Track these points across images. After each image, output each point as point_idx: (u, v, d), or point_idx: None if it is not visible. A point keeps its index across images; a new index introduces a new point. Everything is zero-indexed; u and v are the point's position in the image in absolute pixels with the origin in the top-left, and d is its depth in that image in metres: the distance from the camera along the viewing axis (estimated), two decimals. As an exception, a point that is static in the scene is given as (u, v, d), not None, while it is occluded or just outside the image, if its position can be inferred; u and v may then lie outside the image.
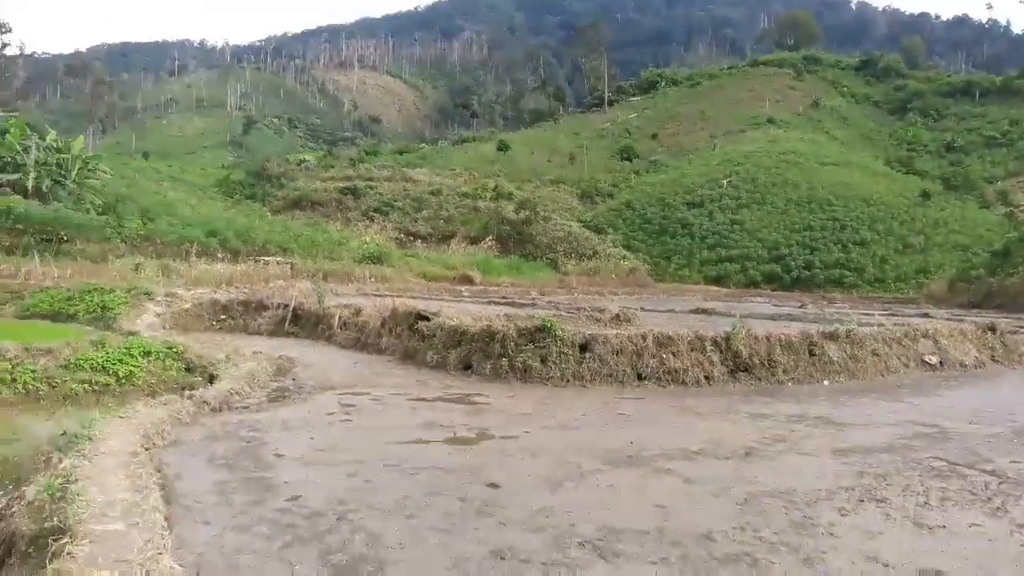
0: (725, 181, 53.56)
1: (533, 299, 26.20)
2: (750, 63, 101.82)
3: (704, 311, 21.60)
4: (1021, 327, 18.51)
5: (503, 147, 69.43)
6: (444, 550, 4.84)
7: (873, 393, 11.80)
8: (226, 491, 5.91)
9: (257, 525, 5.16)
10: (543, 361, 11.86)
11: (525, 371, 11.80)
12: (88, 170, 35.39)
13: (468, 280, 34.29)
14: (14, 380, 10.39)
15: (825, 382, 12.52)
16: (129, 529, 4.48)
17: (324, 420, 8.90)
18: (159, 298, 19.24)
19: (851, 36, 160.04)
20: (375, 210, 49.35)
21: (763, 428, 8.93)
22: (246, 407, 9.54)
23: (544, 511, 5.64)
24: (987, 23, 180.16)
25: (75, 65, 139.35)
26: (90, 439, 6.43)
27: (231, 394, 9.89)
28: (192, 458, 6.95)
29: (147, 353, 11.98)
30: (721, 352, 12.32)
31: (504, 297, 26.51)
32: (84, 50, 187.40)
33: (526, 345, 12.11)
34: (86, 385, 10.75)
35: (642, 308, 20.51)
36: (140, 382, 11.25)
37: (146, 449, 6.78)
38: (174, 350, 12.43)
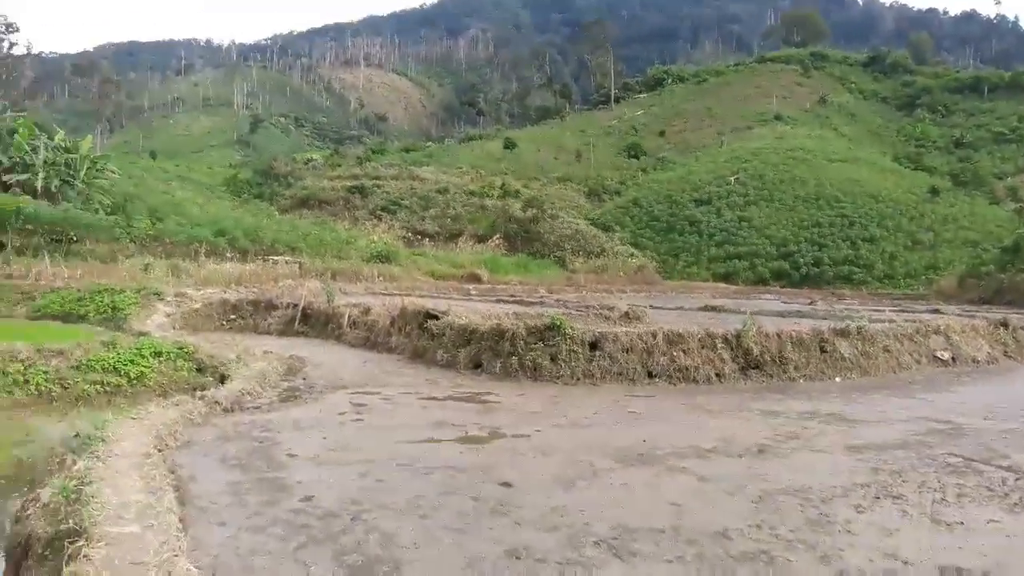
0: (733, 178, 53.34)
1: (541, 297, 26.21)
2: (757, 60, 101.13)
3: (713, 308, 21.58)
4: (1033, 323, 18.37)
5: (510, 145, 69.30)
6: (459, 550, 4.83)
7: (885, 389, 11.75)
8: (240, 492, 5.92)
9: (272, 526, 5.16)
10: (553, 359, 11.86)
11: (535, 369, 11.81)
12: (96, 170, 35.55)
13: (476, 278, 34.32)
14: (27, 382, 10.46)
15: (837, 379, 12.47)
16: (144, 531, 4.47)
17: (336, 420, 8.91)
18: (169, 298, 19.33)
19: (858, 32, 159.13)
20: (382, 209, 49.39)
21: (775, 425, 8.89)
22: (258, 407, 9.56)
23: (558, 510, 5.62)
24: (995, 18, 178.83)
25: (82, 64, 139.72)
26: (103, 441, 6.45)
27: (242, 394, 9.92)
28: (205, 459, 6.96)
29: (158, 354, 12.04)
30: (732, 349, 12.30)
31: (512, 295, 26.53)
32: (91, 49, 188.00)
33: (536, 343, 12.10)
34: (98, 386, 10.83)
35: (651, 306, 20.51)
36: (151, 383, 11.32)
37: (159, 450, 6.79)
38: (185, 350, 12.49)
